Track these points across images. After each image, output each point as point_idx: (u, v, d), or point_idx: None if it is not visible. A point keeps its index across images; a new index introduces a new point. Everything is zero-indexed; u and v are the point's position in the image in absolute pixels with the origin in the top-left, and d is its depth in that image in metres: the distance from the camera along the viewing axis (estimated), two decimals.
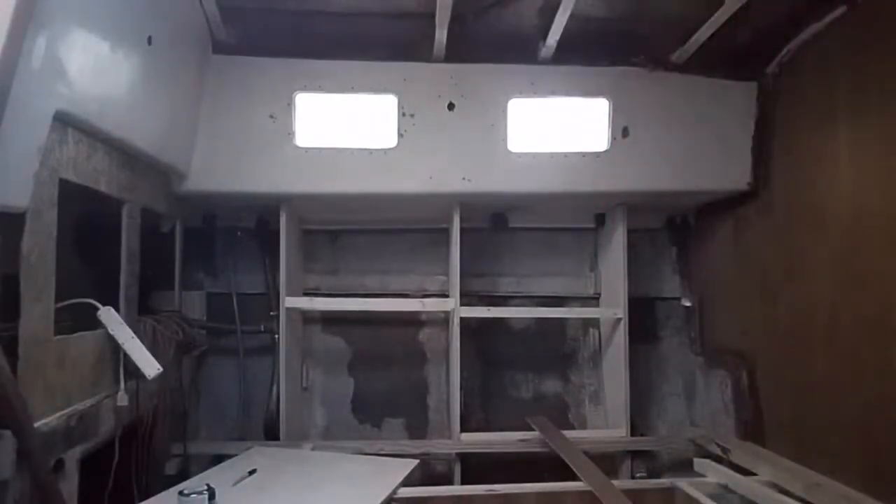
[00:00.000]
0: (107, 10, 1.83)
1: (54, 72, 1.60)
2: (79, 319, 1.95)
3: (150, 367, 2.07)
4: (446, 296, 3.13)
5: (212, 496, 1.87)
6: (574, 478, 2.43)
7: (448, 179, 2.74)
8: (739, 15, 2.40)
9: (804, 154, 2.55)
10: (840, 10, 2.33)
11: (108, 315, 2.02)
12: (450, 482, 2.90)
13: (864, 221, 2.22)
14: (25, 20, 1.38)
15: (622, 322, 3.08)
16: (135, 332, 2.10)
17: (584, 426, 3.34)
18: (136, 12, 2.02)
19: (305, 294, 3.17)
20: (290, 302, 2.93)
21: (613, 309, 3.14)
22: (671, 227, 3.44)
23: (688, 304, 3.40)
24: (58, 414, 1.72)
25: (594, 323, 3.41)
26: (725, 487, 2.47)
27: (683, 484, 2.46)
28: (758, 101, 2.80)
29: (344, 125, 2.75)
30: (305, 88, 2.69)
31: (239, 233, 3.22)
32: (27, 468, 1.54)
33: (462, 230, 2.97)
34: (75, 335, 1.87)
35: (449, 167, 2.73)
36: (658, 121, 2.77)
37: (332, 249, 3.33)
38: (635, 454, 3.09)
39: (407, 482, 2.31)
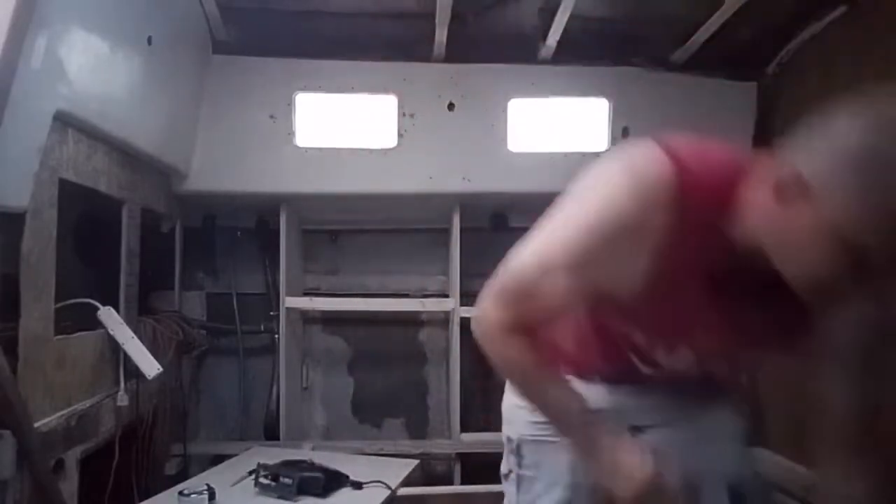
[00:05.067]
0: (107, 10, 1.83)
1: (54, 72, 1.60)
2: (79, 319, 1.95)
3: (150, 367, 2.08)
4: (446, 296, 3.13)
5: (212, 496, 1.87)
6: None
7: (448, 179, 2.73)
8: (739, 15, 2.40)
9: None
10: (840, 10, 2.33)
11: (108, 315, 2.02)
12: (450, 482, 2.90)
13: None
14: (25, 20, 1.38)
15: None
16: (135, 332, 2.10)
17: None
18: (136, 12, 2.02)
19: (305, 294, 3.16)
20: (290, 302, 2.93)
21: None
22: None
23: None
24: (58, 414, 1.72)
25: None
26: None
27: None
28: (758, 101, 2.80)
29: (344, 125, 2.75)
30: (305, 88, 2.68)
31: (239, 233, 3.22)
32: (27, 468, 1.54)
33: (462, 230, 2.97)
34: (75, 335, 1.87)
35: (449, 167, 2.73)
36: (658, 121, 2.76)
37: (332, 249, 3.33)
38: None
39: (407, 482, 2.31)
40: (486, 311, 1.02)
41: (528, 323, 0.98)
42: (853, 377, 1.01)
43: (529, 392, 1.08)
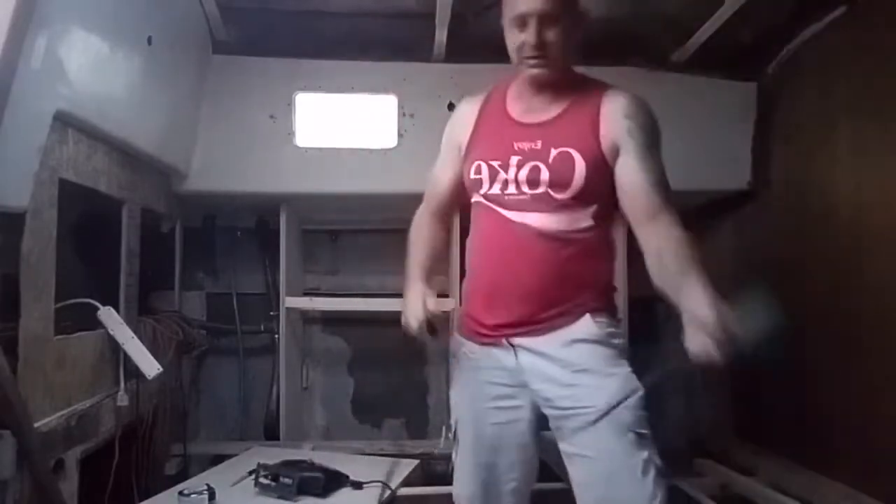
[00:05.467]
0: (107, 10, 1.83)
1: (54, 72, 1.60)
2: (79, 319, 1.95)
3: (150, 367, 2.07)
4: (446, 296, 3.13)
5: (212, 496, 1.87)
6: None
7: None
8: (739, 15, 2.40)
9: (804, 154, 2.55)
10: (840, 10, 2.33)
11: (108, 315, 2.02)
12: (450, 482, 2.89)
13: (864, 221, 2.22)
14: (25, 20, 1.38)
15: (622, 322, 3.06)
16: (135, 332, 2.10)
17: None
18: (136, 12, 2.02)
19: (305, 294, 3.17)
20: (290, 302, 2.93)
21: None
22: None
23: None
24: (58, 414, 1.72)
25: None
26: (725, 487, 2.47)
27: (683, 484, 2.46)
28: (758, 101, 2.80)
29: (344, 125, 2.75)
30: (305, 88, 2.68)
31: (239, 233, 3.22)
32: (27, 468, 1.54)
33: (461, 230, 2.97)
34: (75, 335, 1.87)
35: None
36: (658, 120, 2.76)
37: (332, 249, 3.33)
38: None
39: (407, 482, 2.31)
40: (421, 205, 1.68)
41: (436, 208, 1.66)
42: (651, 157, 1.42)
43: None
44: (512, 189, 1.42)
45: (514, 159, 1.41)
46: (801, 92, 2.58)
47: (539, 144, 1.41)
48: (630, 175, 1.39)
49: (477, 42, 2.63)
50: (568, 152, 1.39)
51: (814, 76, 2.50)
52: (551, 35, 1.38)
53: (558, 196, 1.40)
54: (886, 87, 2.11)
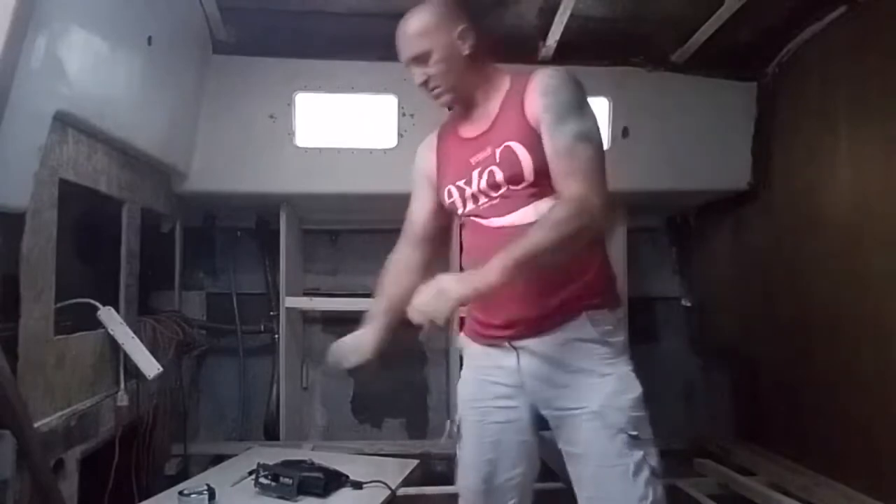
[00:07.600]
0: (107, 10, 1.83)
1: (54, 72, 1.60)
2: (79, 319, 1.95)
3: (150, 367, 2.08)
4: None
5: (212, 496, 1.87)
6: None
7: None
8: (739, 15, 2.40)
9: (804, 154, 2.55)
10: (840, 10, 2.33)
11: (108, 315, 2.02)
12: (450, 482, 2.90)
13: (863, 221, 2.22)
14: (25, 20, 1.38)
15: (622, 322, 3.06)
16: (135, 332, 2.10)
17: None
18: (136, 12, 2.02)
19: (305, 294, 3.17)
20: (290, 302, 2.93)
21: None
22: (671, 227, 3.44)
23: (688, 304, 3.39)
24: (58, 414, 1.72)
25: None
26: (725, 487, 2.47)
27: (683, 484, 2.46)
28: (758, 101, 2.80)
29: (344, 125, 2.75)
30: (305, 88, 2.68)
31: (239, 233, 3.22)
32: (27, 468, 1.54)
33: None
34: (75, 335, 1.87)
35: None
36: (658, 121, 2.77)
37: (332, 249, 3.33)
38: None
39: (407, 482, 2.30)
40: None
41: (416, 238, 1.72)
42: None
43: None
44: (483, 200, 1.49)
45: (475, 173, 1.48)
46: (801, 92, 2.58)
47: (489, 150, 1.47)
48: (547, 150, 1.42)
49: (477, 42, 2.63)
50: (509, 146, 1.44)
51: (814, 76, 2.50)
52: (432, 69, 1.50)
53: (520, 189, 1.43)
54: (886, 87, 2.11)
